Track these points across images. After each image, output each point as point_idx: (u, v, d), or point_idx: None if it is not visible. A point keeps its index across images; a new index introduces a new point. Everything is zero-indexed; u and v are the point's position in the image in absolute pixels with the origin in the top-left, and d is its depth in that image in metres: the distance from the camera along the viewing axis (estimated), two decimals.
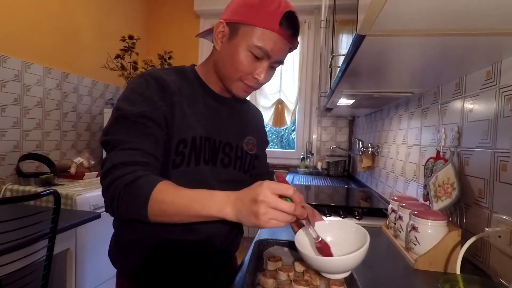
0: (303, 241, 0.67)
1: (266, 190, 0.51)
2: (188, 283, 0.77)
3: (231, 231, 0.82)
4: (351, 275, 0.64)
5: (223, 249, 0.80)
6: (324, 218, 0.72)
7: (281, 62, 0.73)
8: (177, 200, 0.56)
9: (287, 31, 0.67)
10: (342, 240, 0.67)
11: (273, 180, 0.99)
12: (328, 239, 0.66)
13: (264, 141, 0.95)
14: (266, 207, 0.50)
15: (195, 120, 0.72)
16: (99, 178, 2.31)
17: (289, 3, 0.69)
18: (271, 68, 0.73)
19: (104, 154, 0.66)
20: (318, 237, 0.62)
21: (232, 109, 0.83)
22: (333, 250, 0.63)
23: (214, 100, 0.79)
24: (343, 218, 1.27)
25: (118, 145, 0.63)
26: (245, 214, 0.52)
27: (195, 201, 0.55)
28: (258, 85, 0.73)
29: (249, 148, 0.85)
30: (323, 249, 0.61)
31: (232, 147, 0.80)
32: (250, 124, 0.89)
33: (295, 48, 0.74)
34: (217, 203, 0.54)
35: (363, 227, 0.66)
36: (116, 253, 0.79)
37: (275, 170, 3.12)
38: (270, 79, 0.75)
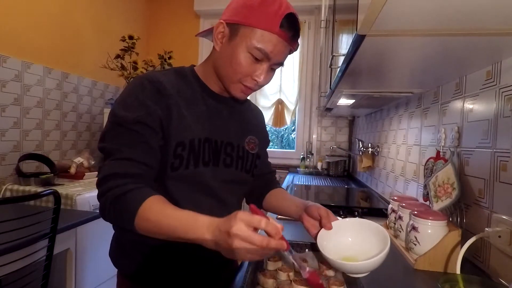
0: (325, 243, 0.67)
1: (239, 222, 0.49)
2: (190, 283, 0.77)
3: None
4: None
5: None
6: (339, 218, 0.73)
7: (281, 64, 0.72)
8: (161, 221, 0.56)
9: (287, 33, 0.67)
10: (361, 240, 0.68)
11: (274, 179, 0.99)
12: (349, 239, 0.68)
13: (265, 140, 0.95)
14: (240, 241, 0.48)
15: (194, 121, 0.72)
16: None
17: (290, 5, 0.68)
18: (271, 70, 0.72)
19: None
20: (305, 267, 0.61)
21: (233, 108, 0.82)
22: (353, 251, 0.65)
23: (214, 100, 0.78)
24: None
25: (112, 154, 0.64)
26: (222, 247, 0.51)
27: (178, 224, 0.55)
28: (257, 87, 0.73)
29: (251, 147, 0.84)
30: (312, 279, 0.60)
31: (234, 147, 0.80)
32: (251, 124, 0.88)
33: (295, 50, 0.74)
34: (199, 231, 0.53)
35: None
36: (117, 253, 0.79)
37: (275, 170, 3.13)
38: (269, 81, 0.74)
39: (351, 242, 0.68)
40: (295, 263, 0.61)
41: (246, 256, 0.50)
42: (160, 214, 0.57)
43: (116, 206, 0.60)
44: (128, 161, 0.63)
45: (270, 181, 0.98)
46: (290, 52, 0.73)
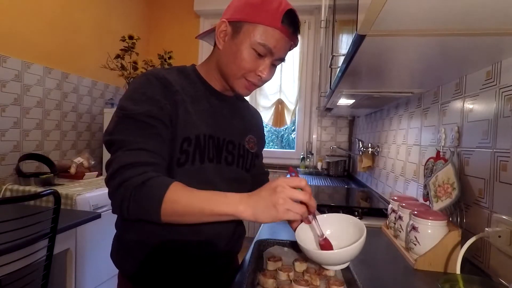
0: (303, 236, 0.69)
1: (282, 182, 0.55)
2: (192, 285, 0.77)
3: (235, 232, 0.82)
4: (351, 275, 0.64)
5: (227, 250, 0.80)
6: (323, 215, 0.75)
7: (282, 59, 0.74)
8: (191, 200, 0.58)
9: (288, 29, 0.69)
10: (340, 233, 0.70)
11: (267, 180, 1.00)
12: (327, 232, 0.69)
13: (262, 141, 0.97)
14: (284, 197, 0.54)
15: (198, 118, 0.73)
16: (98, 178, 2.28)
17: (289, 2, 0.70)
18: (273, 66, 0.74)
19: (105, 153, 0.67)
20: (322, 234, 0.64)
21: (234, 107, 0.83)
22: (332, 242, 0.66)
23: (217, 99, 0.79)
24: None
25: (124, 145, 0.63)
26: (262, 207, 0.55)
27: (209, 200, 0.58)
28: (261, 82, 0.74)
29: (250, 146, 0.85)
30: (325, 246, 0.64)
31: (235, 145, 0.80)
32: (251, 123, 0.90)
33: (295, 45, 0.76)
34: (231, 202, 0.57)
35: None
36: (119, 254, 0.78)
37: (275, 170, 3.13)
38: (272, 77, 0.76)
39: (331, 235, 0.69)
40: (316, 228, 0.65)
41: (288, 213, 0.55)
42: (189, 196, 0.59)
43: (138, 194, 0.58)
44: (144, 151, 0.63)
45: (264, 182, 0.98)
46: (291, 48, 0.75)
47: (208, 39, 0.82)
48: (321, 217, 0.72)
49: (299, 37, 0.76)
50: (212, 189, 0.74)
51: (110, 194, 0.61)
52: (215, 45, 0.77)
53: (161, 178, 0.61)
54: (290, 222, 0.74)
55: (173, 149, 0.69)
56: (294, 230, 0.71)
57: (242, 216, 0.56)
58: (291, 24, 0.69)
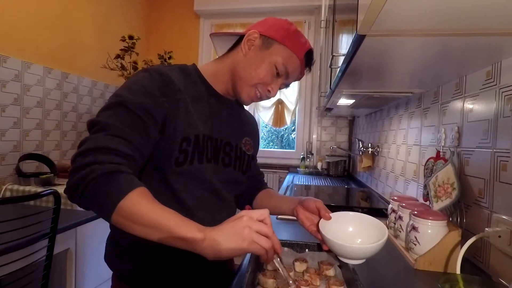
0: (326, 226, 0.72)
1: (247, 213, 0.54)
2: (187, 285, 0.77)
3: None
4: (351, 275, 0.64)
5: None
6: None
7: (288, 85, 0.83)
8: (153, 210, 0.53)
9: (305, 63, 0.79)
10: (360, 230, 0.73)
11: (263, 181, 1.03)
12: (349, 229, 0.73)
13: (257, 143, 0.99)
14: (250, 228, 0.52)
15: (198, 118, 0.73)
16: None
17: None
18: (279, 88, 0.81)
19: None
20: (293, 282, 0.60)
21: (232, 109, 0.84)
22: (353, 239, 0.71)
23: (216, 100, 0.80)
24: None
25: (108, 129, 0.58)
26: (226, 235, 0.51)
27: (170, 218, 0.53)
28: (265, 97, 0.79)
29: (247, 148, 0.87)
30: None
31: (232, 146, 0.81)
32: (247, 126, 0.92)
33: (299, 79, 0.84)
34: (193, 228, 0.52)
35: None
36: (114, 255, 0.78)
37: (275, 170, 3.13)
38: (274, 96, 0.81)
39: (351, 232, 0.73)
40: (283, 274, 0.59)
41: (253, 245, 0.51)
42: (153, 205, 0.54)
43: (101, 183, 0.52)
44: (126, 141, 0.59)
45: (260, 182, 1.01)
46: (296, 79, 0.82)
47: (219, 40, 0.83)
48: (341, 214, 0.76)
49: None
50: (210, 188, 0.75)
51: (72, 171, 0.55)
52: (230, 49, 0.81)
53: (132, 177, 0.56)
54: (302, 220, 0.79)
55: (172, 148, 0.68)
56: (308, 229, 0.77)
57: (199, 246, 0.51)
58: (308, 60, 0.80)
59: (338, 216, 0.75)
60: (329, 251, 0.72)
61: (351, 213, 0.76)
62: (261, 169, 1.05)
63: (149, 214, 0.52)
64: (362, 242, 0.71)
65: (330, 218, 0.74)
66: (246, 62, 0.76)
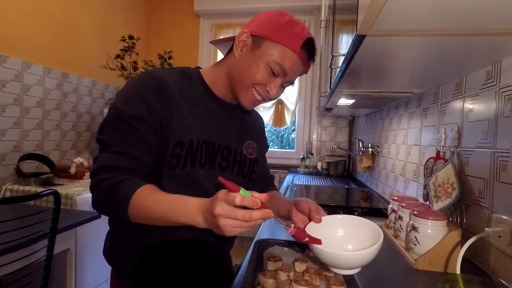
0: (314, 231, 0.66)
1: (220, 202, 0.51)
2: (184, 280, 0.78)
3: None
4: (351, 275, 0.64)
5: (219, 245, 0.81)
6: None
7: (292, 82, 0.77)
8: (153, 207, 0.59)
9: (305, 55, 0.72)
10: (352, 235, 0.67)
11: (272, 183, 0.99)
12: (339, 234, 0.67)
13: (264, 145, 0.96)
14: (224, 219, 0.51)
15: (194, 122, 0.72)
16: None
17: (309, 31, 0.73)
18: (281, 87, 0.76)
19: None
20: (289, 225, 0.60)
21: (233, 113, 0.82)
22: (345, 245, 0.64)
23: (216, 104, 0.78)
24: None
25: (108, 147, 0.66)
26: (212, 226, 0.54)
27: (170, 209, 0.59)
28: (267, 98, 0.75)
29: (249, 152, 0.85)
30: (298, 234, 0.60)
31: (231, 150, 0.80)
32: (251, 128, 0.88)
33: (306, 73, 0.78)
34: (189, 213, 0.57)
35: None
36: (112, 251, 0.79)
37: (275, 170, 3.12)
38: (278, 96, 0.77)
39: (341, 237, 0.66)
40: (281, 223, 0.61)
41: (235, 231, 0.53)
42: (152, 201, 0.60)
43: (108, 196, 0.62)
44: (122, 155, 0.65)
45: (266, 185, 0.97)
46: (301, 74, 0.77)
47: (221, 46, 0.82)
48: (333, 217, 0.70)
49: None
50: (203, 193, 0.69)
51: (90, 189, 0.66)
52: (227, 53, 0.78)
53: (130, 181, 0.62)
54: (294, 222, 0.71)
55: (165, 152, 0.69)
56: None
57: (200, 227, 0.56)
58: (308, 51, 0.72)
59: (325, 220, 0.68)
60: (316, 258, 0.64)
61: (338, 215, 0.71)
62: None
63: (152, 211, 0.60)
64: (354, 248, 0.64)
65: (320, 220, 0.68)
66: (239, 65, 0.73)
